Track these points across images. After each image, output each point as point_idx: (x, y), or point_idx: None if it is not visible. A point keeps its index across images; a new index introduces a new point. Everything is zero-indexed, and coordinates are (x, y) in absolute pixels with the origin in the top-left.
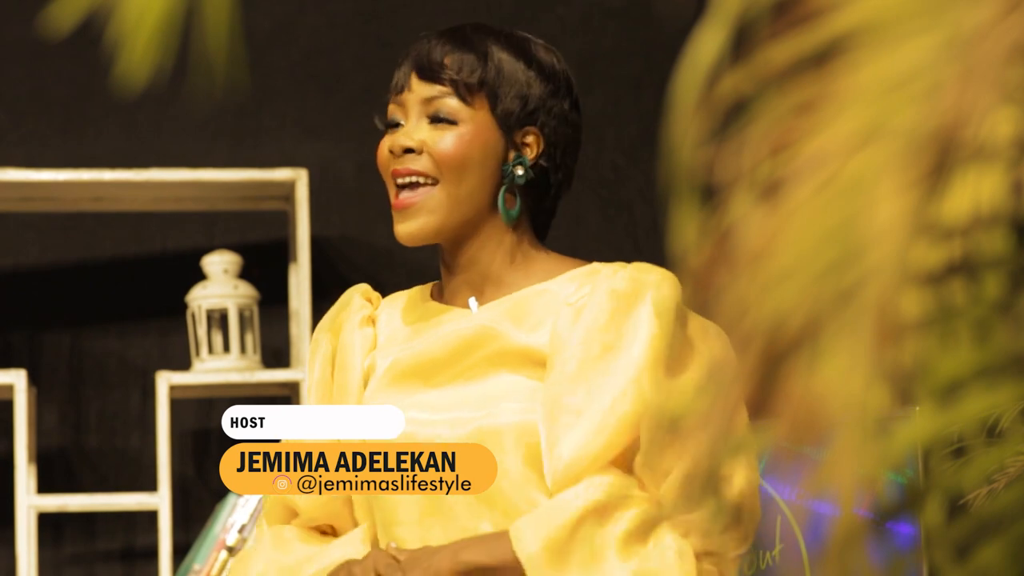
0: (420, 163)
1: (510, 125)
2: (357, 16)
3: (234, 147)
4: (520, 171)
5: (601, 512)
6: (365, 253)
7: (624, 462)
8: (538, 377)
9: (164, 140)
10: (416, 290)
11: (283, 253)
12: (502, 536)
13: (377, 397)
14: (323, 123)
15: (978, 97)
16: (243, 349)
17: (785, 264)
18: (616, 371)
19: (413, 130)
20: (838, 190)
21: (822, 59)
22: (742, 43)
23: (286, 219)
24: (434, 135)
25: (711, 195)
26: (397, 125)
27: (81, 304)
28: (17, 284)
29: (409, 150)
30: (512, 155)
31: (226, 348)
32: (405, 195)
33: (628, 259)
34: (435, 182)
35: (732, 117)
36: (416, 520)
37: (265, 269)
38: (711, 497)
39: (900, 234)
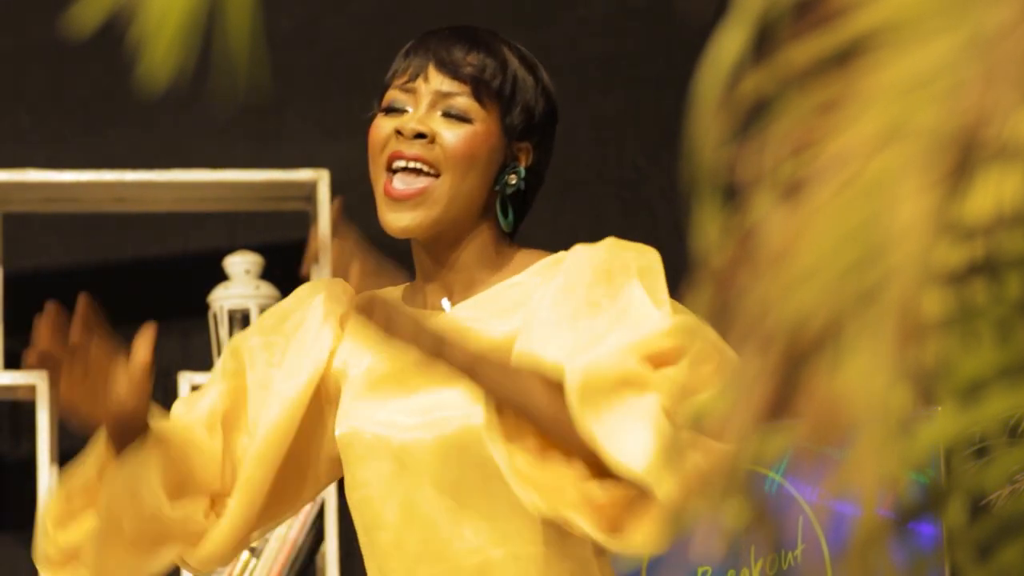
0: (430, 152)
1: (512, 136)
2: (378, 17)
3: (256, 148)
4: (514, 180)
5: (642, 381)
6: (386, 253)
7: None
8: None
9: (186, 141)
10: (388, 292)
11: (305, 254)
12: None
13: (356, 404)
14: (344, 124)
15: (1000, 96)
16: None
17: (807, 264)
18: (616, 318)
19: (425, 117)
20: (860, 190)
21: (844, 58)
22: (764, 43)
23: (308, 220)
24: (446, 127)
25: (733, 195)
26: (401, 111)
27: (103, 305)
28: (39, 285)
29: (421, 135)
30: (509, 164)
31: None
32: (401, 183)
33: None
34: (438, 174)
35: (754, 117)
36: (394, 525)
37: (287, 270)
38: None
39: (922, 234)
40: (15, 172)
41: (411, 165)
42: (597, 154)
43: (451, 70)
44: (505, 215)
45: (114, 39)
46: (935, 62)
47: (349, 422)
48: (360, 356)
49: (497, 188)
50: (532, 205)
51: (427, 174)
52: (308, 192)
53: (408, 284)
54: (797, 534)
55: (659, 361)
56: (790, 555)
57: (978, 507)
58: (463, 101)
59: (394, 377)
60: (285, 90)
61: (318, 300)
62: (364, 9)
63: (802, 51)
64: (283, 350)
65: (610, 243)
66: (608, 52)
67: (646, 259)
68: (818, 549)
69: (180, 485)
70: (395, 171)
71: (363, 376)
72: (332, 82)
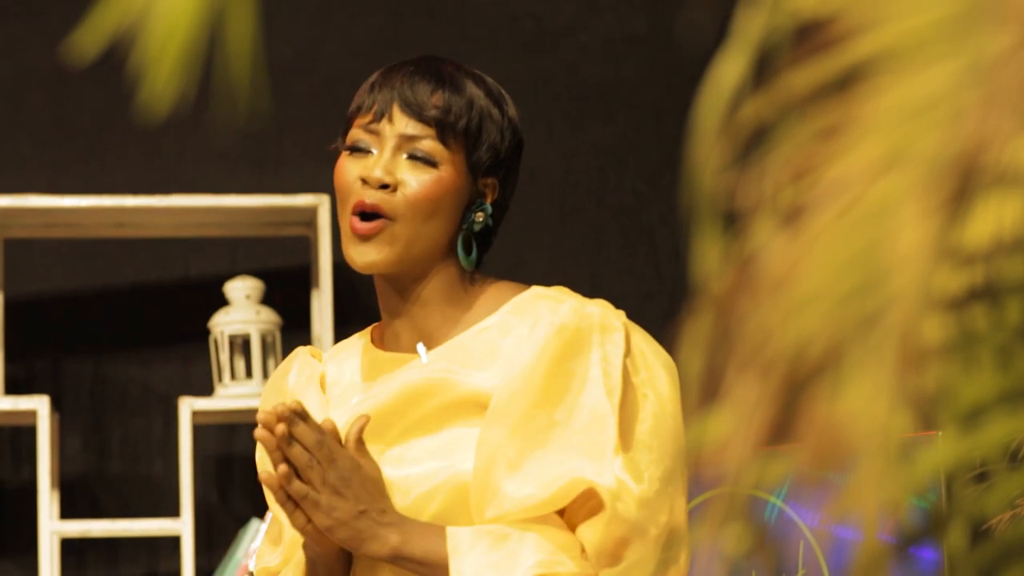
0: (391, 203)
1: (478, 174)
2: (377, 44)
3: (256, 173)
4: (481, 217)
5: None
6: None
7: (567, 517)
8: None
9: (186, 166)
10: (356, 339)
11: (305, 279)
12: (442, 546)
13: None
14: None
15: (1001, 122)
16: (265, 375)
17: (808, 290)
18: (565, 423)
19: (390, 164)
20: (860, 216)
21: (844, 85)
22: (764, 69)
23: (308, 245)
24: (410, 173)
25: (733, 221)
26: (366, 152)
27: (104, 330)
28: (40, 310)
29: (385, 185)
30: (475, 201)
31: (248, 374)
32: (365, 222)
33: (650, 286)
34: (395, 220)
35: (754, 143)
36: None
37: (287, 295)
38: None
39: (923, 260)
40: (16, 197)
41: (371, 212)
42: (597, 180)
43: (416, 112)
44: (468, 252)
45: (115, 65)
46: (935, 88)
47: None
48: (342, 409)
49: (464, 226)
50: (496, 235)
51: (385, 219)
52: (308, 217)
53: (374, 326)
54: (798, 559)
55: (581, 514)
56: None
57: (979, 532)
58: (428, 144)
59: (373, 428)
60: (285, 116)
61: (291, 383)
62: (363, 36)
63: (802, 77)
64: None
65: (576, 312)
66: (608, 79)
67: (610, 343)
68: (819, 574)
69: None
70: (359, 215)
71: (344, 428)
72: (332, 108)
